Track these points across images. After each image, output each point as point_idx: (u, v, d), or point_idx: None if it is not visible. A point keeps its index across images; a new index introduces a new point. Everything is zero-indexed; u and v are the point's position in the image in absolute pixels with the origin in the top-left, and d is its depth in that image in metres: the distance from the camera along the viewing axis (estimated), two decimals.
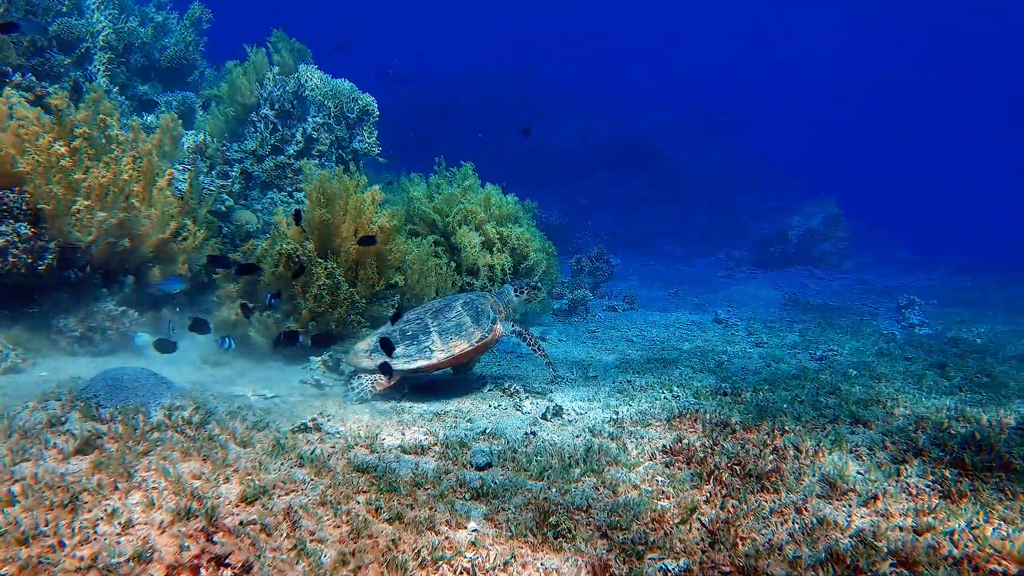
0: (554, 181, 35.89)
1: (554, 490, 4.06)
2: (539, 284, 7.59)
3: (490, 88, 42.50)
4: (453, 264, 10.06)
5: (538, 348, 7.04)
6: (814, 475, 4.48)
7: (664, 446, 4.98)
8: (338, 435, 4.57)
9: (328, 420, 4.69)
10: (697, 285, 19.29)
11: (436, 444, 4.65)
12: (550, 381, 7.26)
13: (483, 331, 6.69)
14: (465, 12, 55.30)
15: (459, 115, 39.80)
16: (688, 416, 5.71)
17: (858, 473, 4.57)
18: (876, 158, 51.35)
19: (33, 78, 8.17)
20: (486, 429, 5.12)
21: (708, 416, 5.70)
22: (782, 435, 5.34)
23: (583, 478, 4.30)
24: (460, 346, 6.52)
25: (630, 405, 6.29)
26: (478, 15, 55.16)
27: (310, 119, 10.49)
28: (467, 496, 3.89)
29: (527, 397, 6.35)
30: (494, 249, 10.47)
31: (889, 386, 7.18)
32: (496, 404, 6.09)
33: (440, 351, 6.43)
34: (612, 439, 5.17)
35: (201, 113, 11.85)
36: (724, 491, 4.22)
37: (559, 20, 56.44)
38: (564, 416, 5.69)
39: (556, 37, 53.91)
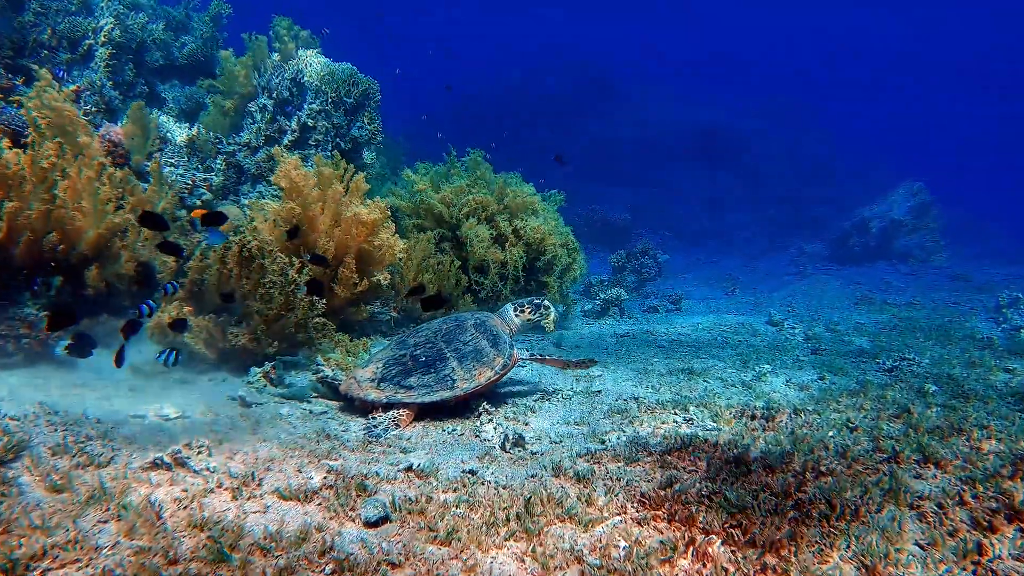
0: (620, 177, 34.55)
1: (456, 564, 2.91)
2: (547, 302, 6.43)
3: (552, 85, 41.54)
4: (458, 261, 9.02)
5: (548, 359, 6.30)
6: (847, 547, 3.11)
7: (643, 493, 3.71)
8: (206, 472, 3.59)
9: (199, 453, 3.73)
10: (760, 283, 17.41)
11: (330, 486, 3.58)
12: (539, 398, 6.07)
13: (504, 357, 5.76)
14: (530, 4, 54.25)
15: (519, 112, 38.96)
16: (690, 448, 4.39)
17: (917, 545, 3.16)
18: (973, 139, 46.50)
19: (2, 71, 7.74)
20: (414, 465, 4.00)
21: (719, 449, 4.37)
22: (815, 479, 3.95)
23: (508, 543, 3.12)
24: (484, 374, 5.58)
25: (624, 431, 5.01)
26: (544, 9, 53.97)
27: (306, 106, 9.72)
28: (327, 569, 2.80)
29: (491, 420, 5.17)
30: (506, 244, 9.33)
31: (980, 409, 5.53)
32: (451, 428, 4.96)
33: (463, 380, 5.49)
34: (578, 481, 3.94)
35: (211, 107, 11.38)
36: (706, 570, 2.94)
37: (622, 13, 54.55)
38: (527, 446, 4.49)
39: (620, 29, 52.21)
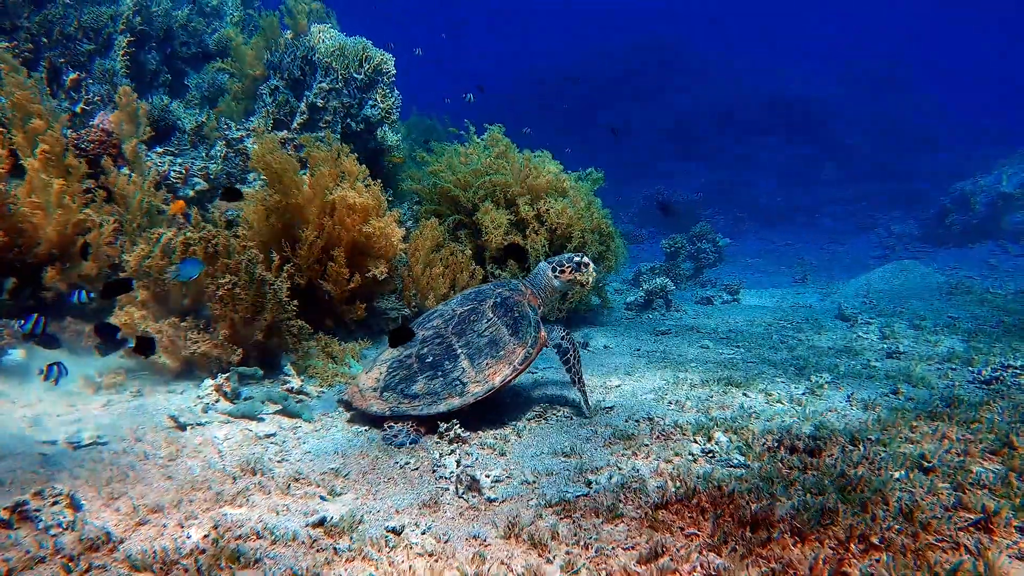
0: (694, 153, 32.78)
1: None
2: (587, 259, 5.41)
3: (620, 61, 39.87)
4: (471, 251, 8.15)
5: (577, 378, 5.11)
6: None
7: (610, 574, 2.73)
8: (54, 530, 2.89)
9: (55, 504, 3.00)
10: (837, 268, 15.58)
11: (201, 552, 2.80)
12: (534, 416, 5.10)
13: (527, 346, 4.88)
14: None
15: (591, 91, 37.54)
16: (695, 500, 3.35)
17: None
18: None
19: None
20: (328, 517, 3.18)
21: (733, 503, 3.30)
22: (863, 555, 2.84)
23: None
24: (500, 373, 4.74)
25: (620, 467, 4.00)
26: None
27: (315, 85, 9.05)
28: None
29: (452, 452, 4.25)
30: (528, 230, 8.36)
31: None
32: (405, 461, 4.09)
33: (474, 383, 4.68)
34: (532, 547, 2.99)
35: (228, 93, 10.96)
36: None
37: None
38: (484, 491, 3.56)
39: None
